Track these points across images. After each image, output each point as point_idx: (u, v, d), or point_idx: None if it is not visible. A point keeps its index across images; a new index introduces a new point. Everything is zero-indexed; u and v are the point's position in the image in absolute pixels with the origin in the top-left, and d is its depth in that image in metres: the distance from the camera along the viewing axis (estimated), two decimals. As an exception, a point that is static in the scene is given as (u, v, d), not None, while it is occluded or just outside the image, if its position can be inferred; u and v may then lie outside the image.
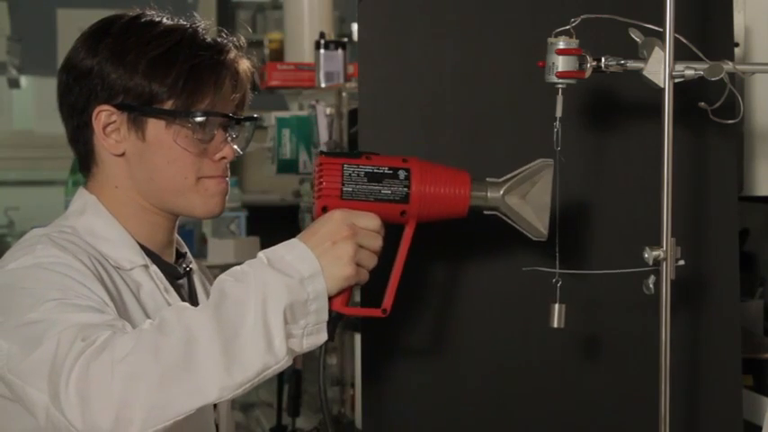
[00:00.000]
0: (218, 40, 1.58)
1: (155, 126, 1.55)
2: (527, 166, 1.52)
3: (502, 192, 1.50)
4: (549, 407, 1.84)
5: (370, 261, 1.44)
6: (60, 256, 1.46)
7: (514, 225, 1.51)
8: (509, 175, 1.51)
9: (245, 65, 1.61)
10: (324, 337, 1.40)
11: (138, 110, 1.54)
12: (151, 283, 1.58)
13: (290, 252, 1.39)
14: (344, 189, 1.43)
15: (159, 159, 1.55)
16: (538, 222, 1.51)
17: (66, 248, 1.48)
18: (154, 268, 1.59)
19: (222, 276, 1.39)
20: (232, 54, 1.58)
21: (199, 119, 1.54)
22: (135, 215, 1.59)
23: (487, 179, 1.51)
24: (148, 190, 1.58)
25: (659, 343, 1.58)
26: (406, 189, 1.45)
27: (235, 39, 1.61)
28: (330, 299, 1.40)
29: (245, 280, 1.36)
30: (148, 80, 1.53)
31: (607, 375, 1.85)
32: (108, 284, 1.49)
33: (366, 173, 1.44)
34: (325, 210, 1.44)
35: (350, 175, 1.44)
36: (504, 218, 1.51)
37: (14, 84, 6.10)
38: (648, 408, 1.62)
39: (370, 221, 1.43)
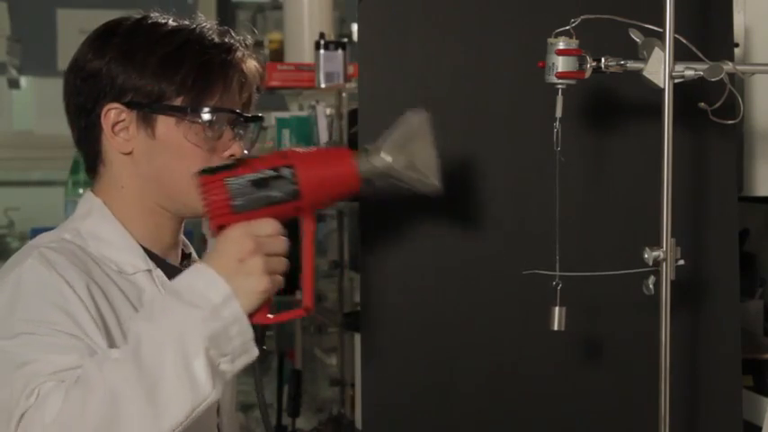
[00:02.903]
0: (226, 39, 1.59)
1: (164, 123, 1.55)
2: (400, 124, 1.47)
3: (384, 155, 1.45)
4: (548, 407, 1.84)
5: (280, 265, 1.43)
6: (45, 277, 1.46)
7: (408, 186, 1.48)
8: (386, 138, 1.47)
9: (252, 64, 1.61)
10: (254, 353, 1.40)
11: (148, 107, 1.54)
12: (154, 287, 1.58)
13: (199, 279, 1.38)
14: (234, 204, 1.41)
15: (169, 156, 1.56)
16: (430, 176, 1.47)
17: (54, 265, 1.47)
18: (157, 272, 1.59)
19: (136, 317, 1.40)
20: (240, 53, 1.59)
21: (209, 115, 1.54)
22: (141, 216, 1.59)
23: (365, 146, 1.47)
24: (156, 188, 1.58)
25: (659, 343, 1.58)
26: (294, 186, 1.41)
27: (242, 38, 1.61)
28: (251, 315, 1.39)
29: (158, 320, 1.36)
30: (158, 78, 1.54)
31: (607, 375, 1.85)
32: (98, 300, 1.49)
33: (250, 181, 1.41)
34: (222, 228, 1.42)
35: (235, 188, 1.40)
36: (396, 182, 1.48)
37: (14, 84, 6.09)
38: (648, 408, 1.62)
39: (269, 228, 1.42)
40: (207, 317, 1.35)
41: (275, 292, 1.42)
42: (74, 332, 1.42)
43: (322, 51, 3.44)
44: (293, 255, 1.44)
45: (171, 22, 1.59)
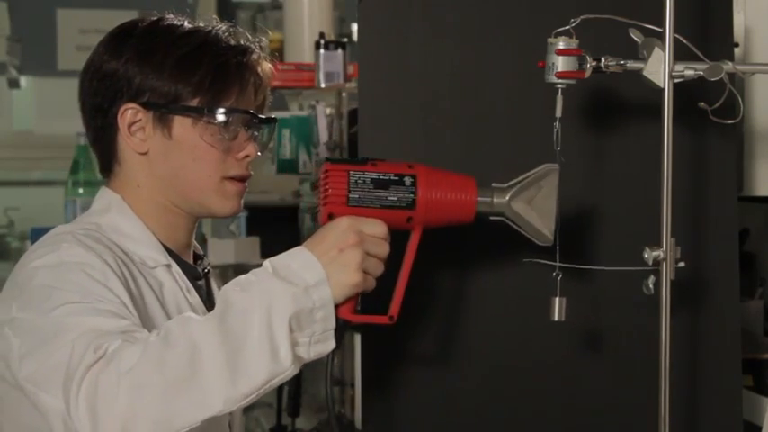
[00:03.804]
0: (242, 41, 1.60)
1: (181, 124, 1.56)
2: (533, 171, 1.52)
3: (508, 197, 1.50)
4: (549, 406, 1.84)
5: (377, 268, 1.44)
6: (85, 256, 1.47)
7: (520, 230, 1.51)
8: (515, 181, 1.51)
9: (266, 67, 1.63)
10: (331, 345, 1.41)
11: (165, 107, 1.55)
12: (173, 282, 1.59)
13: (296, 260, 1.39)
14: (351, 196, 1.44)
15: (185, 157, 1.57)
16: (544, 228, 1.51)
17: (91, 248, 1.49)
18: (176, 268, 1.61)
19: (227, 286, 1.40)
20: (255, 56, 1.60)
21: (225, 116, 1.56)
22: (156, 215, 1.60)
23: (493, 185, 1.51)
24: (171, 188, 1.59)
25: (659, 343, 1.58)
26: (412, 195, 1.45)
27: (258, 41, 1.62)
28: (337, 306, 1.40)
29: (250, 289, 1.36)
30: (175, 79, 1.55)
31: (607, 375, 1.85)
32: (131, 284, 1.50)
33: (372, 179, 1.44)
34: (331, 217, 1.44)
35: (356, 181, 1.44)
36: (509, 223, 1.51)
37: (14, 84, 6.10)
38: (648, 407, 1.62)
39: (376, 228, 1.44)
40: (298, 294, 1.36)
41: (364, 291, 1.43)
42: (120, 306, 1.43)
43: (322, 51, 3.43)
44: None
45: (187, 24, 1.60)
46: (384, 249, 1.44)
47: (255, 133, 1.61)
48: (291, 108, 3.91)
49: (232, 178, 1.59)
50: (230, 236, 4.07)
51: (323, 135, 3.26)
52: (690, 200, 1.85)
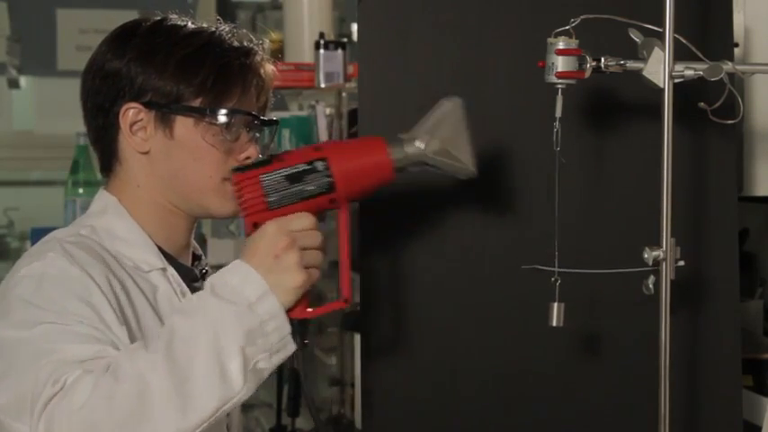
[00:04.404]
0: (245, 43, 1.60)
1: (183, 124, 1.56)
2: (433, 110, 1.48)
3: (423, 145, 1.45)
4: (548, 407, 1.84)
5: (317, 259, 1.44)
6: (67, 270, 1.47)
7: (444, 172, 1.48)
8: (419, 125, 1.47)
9: (269, 68, 1.63)
10: (291, 348, 1.40)
11: (167, 107, 1.55)
12: (168, 286, 1.59)
13: (235, 276, 1.39)
14: (269, 200, 1.41)
15: (186, 157, 1.57)
16: (465, 161, 1.47)
17: (76, 260, 1.48)
18: (171, 271, 1.60)
19: (173, 312, 1.40)
20: (258, 57, 1.60)
21: (227, 117, 1.55)
22: (155, 216, 1.60)
23: (399, 135, 1.47)
24: (171, 188, 1.59)
25: (659, 343, 1.58)
26: (328, 178, 1.42)
27: (260, 42, 1.62)
28: (291, 309, 1.40)
29: (194, 315, 1.36)
30: (177, 79, 1.55)
31: (607, 375, 1.85)
32: (119, 295, 1.50)
33: (285, 176, 1.41)
34: (256, 225, 1.42)
35: (270, 184, 1.41)
36: (432, 169, 1.48)
37: (14, 84, 6.09)
38: (648, 407, 1.62)
39: (304, 222, 1.43)
40: (241, 313, 1.36)
41: (313, 284, 1.43)
42: (97, 326, 1.42)
43: (322, 51, 3.43)
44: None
45: (190, 24, 1.60)
46: (317, 239, 1.43)
47: (257, 135, 1.61)
48: (291, 108, 3.91)
49: None
50: (230, 236, 4.07)
51: (323, 135, 3.26)
52: (690, 200, 1.85)
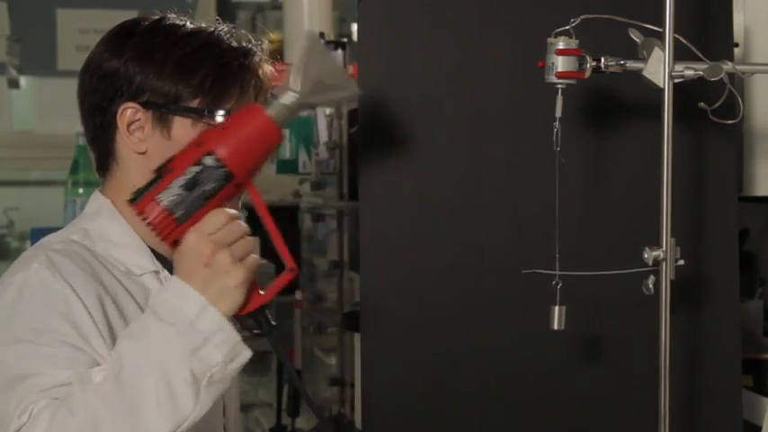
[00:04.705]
0: (243, 43, 1.59)
1: (180, 124, 1.56)
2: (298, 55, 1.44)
3: (292, 90, 1.41)
4: (548, 407, 1.84)
5: (247, 246, 1.41)
6: (49, 282, 1.46)
7: (332, 104, 1.45)
8: (291, 71, 1.42)
9: (267, 69, 1.62)
10: (247, 354, 1.38)
11: (165, 108, 1.55)
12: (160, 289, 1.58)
13: (173, 294, 1.37)
14: (177, 216, 1.37)
15: None
16: (343, 85, 1.44)
17: (60, 270, 1.47)
18: (165, 273, 1.60)
19: (121, 335, 1.39)
20: (257, 58, 1.60)
21: (224, 118, 1.55)
22: None
23: (271, 92, 1.44)
24: None
25: (659, 343, 1.58)
26: (222, 169, 1.38)
27: (259, 43, 1.62)
28: (245, 303, 1.38)
29: (140, 340, 1.36)
30: (175, 79, 1.54)
31: (607, 375, 1.85)
32: (105, 304, 1.49)
33: (180, 186, 1.37)
34: (176, 243, 1.39)
35: (170, 200, 1.37)
36: (320, 106, 1.44)
37: (14, 84, 6.10)
38: (648, 408, 1.62)
39: (219, 219, 1.39)
40: (183, 332, 1.35)
41: (255, 271, 1.40)
42: (76, 342, 1.42)
43: (322, 51, 3.43)
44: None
45: (189, 24, 1.59)
46: (239, 229, 1.40)
47: None
48: (291, 108, 3.91)
49: None
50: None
51: (323, 135, 3.25)
52: (690, 200, 1.85)
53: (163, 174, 1.37)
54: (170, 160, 1.38)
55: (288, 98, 1.41)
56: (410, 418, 1.81)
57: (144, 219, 1.37)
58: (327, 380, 3.23)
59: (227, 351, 1.37)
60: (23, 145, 6.10)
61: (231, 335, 1.37)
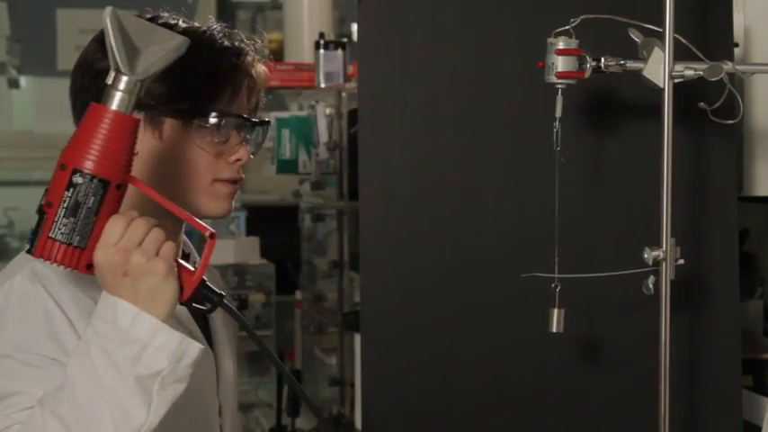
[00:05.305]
0: (236, 43, 1.58)
1: (172, 126, 1.54)
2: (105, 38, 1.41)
3: (124, 74, 1.37)
4: (548, 407, 1.84)
5: (157, 239, 1.39)
6: (31, 294, 1.45)
7: (167, 62, 1.40)
8: (111, 57, 1.38)
9: (261, 69, 1.60)
10: (195, 347, 1.38)
11: (156, 109, 1.54)
12: None
13: (106, 311, 1.37)
14: (76, 244, 1.35)
15: (175, 159, 1.55)
16: (165, 40, 1.41)
17: (43, 280, 1.46)
18: None
19: (70, 356, 1.39)
20: (249, 57, 1.58)
21: (217, 119, 1.54)
22: (143, 215, 1.59)
23: (108, 83, 1.38)
24: (160, 189, 1.57)
25: (659, 343, 1.58)
26: (94, 180, 1.35)
27: (253, 42, 1.60)
28: (182, 290, 1.37)
29: (86, 358, 1.36)
30: (166, 80, 1.53)
31: (607, 376, 1.85)
32: (91, 310, 1.49)
33: (65, 215, 1.34)
34: (90, 267, 1.37)
35: (63, 233, 1.34)
36: (160, 70, 1.41)
37: (14, 84, 6.10)
38: (648, 408, 1.62)
39: (117, 228, 1.37)
40: (121, 344, 1.35)
41: (176, 254, 1.39)
42: (56, 356, 1.42)
43: (322, 51, 3.43)
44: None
45: (181, 22, 1.58)
46: (141, 226, 1.38)
47: (248, 136, 1.59)
48: (291, 108, 3.92)
49: (223, 180, 1.58)
50: (230, 236, 4.08)
51: (323, 135, 3.26)
52: (690, 200, 1.85)
53: (45, 211, 1.35)
54: (45, 195, 1.35)
55: (124, 84, 1.37)
56: (410, 418, 1.82)
57: (50, 260, 1.35)
58: (327, 380, 3.23)
59: (170, 352, 1.36)
60: (23, 145, 6.10)
61: (171, 335, 1.36)
